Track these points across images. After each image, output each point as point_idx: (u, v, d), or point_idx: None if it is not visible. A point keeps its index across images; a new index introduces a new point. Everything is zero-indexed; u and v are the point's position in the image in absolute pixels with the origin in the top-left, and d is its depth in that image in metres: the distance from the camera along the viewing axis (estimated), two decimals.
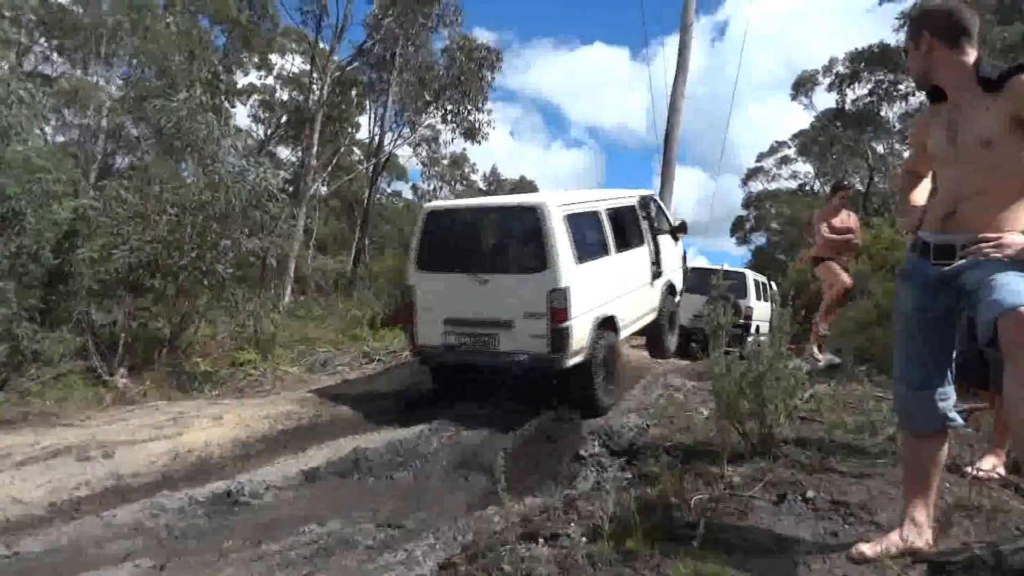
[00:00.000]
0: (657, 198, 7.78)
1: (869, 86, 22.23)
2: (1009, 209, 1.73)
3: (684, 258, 8.01)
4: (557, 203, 5.10)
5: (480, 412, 5.15)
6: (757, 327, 10.19)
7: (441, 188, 27.53)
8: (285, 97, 21.79)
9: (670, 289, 7.24)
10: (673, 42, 12.78)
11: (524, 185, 30.51)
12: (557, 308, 4.77)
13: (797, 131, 28.01)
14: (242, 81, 20.84)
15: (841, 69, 22.54)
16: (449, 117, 18.57)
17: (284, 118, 20.98)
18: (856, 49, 21.64)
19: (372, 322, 10.04)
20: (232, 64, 18.88)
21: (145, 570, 2.65)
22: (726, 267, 11.54)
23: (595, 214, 5.69)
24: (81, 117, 17.36)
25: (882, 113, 22.87)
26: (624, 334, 5.94)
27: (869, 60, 21.31)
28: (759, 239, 34.02)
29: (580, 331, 4.94)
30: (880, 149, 24.24)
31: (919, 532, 1.87)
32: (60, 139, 17.15)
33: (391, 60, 17.51)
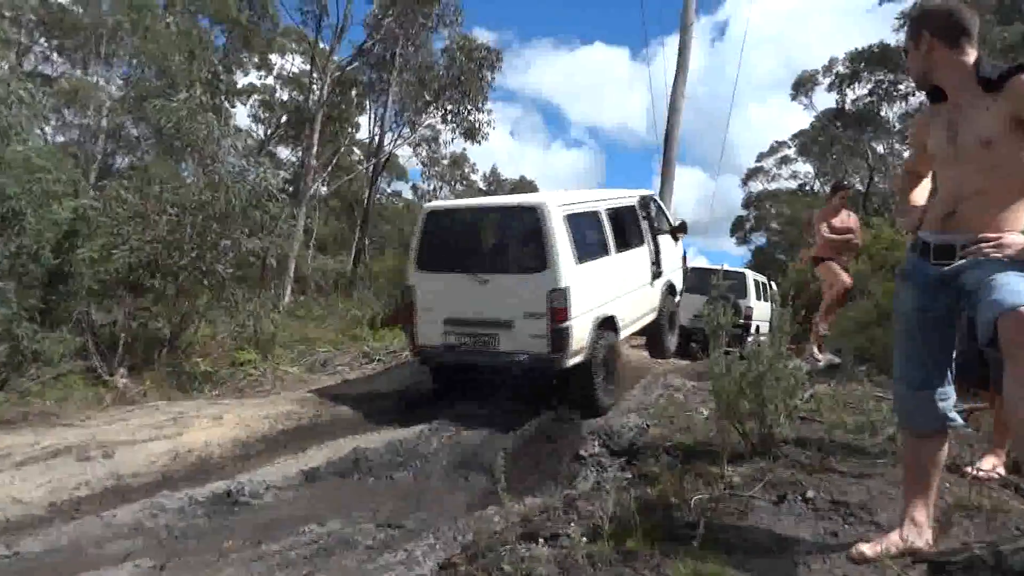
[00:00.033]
0: (657, 198, 7.79)
1: (869, 86, 22.24)
2: (1009, 209, 1.73)
3: (684, 258, 8.01)
4: (557, 203, 5.10)
5: (480, 412, 5.15)
6: (757, 327, 10.19)
7: (441, 188, 27.54)
8: (285, 97, 21.82)
9: (670, 289, 7.24)
10: (673, 42, 12.79)
11: (524, 185, 30.52)
12: (557, 308, 4.77)
13: (797, 131, 28.06)
14: (242, 81, 20.87)
15: (841, 69, 22.54)
16: (449, 117, 18.58)
17: (284, 118, 20.99)
18: (856, 49, 21.67)
19: (372, 322, 10.05)
20: (232, 64, 18.88)
21: (145, 570, 2.65)
22: (726, 267, 11.55)
23: (595, 214, 5.69)
24: (81, 117, 17.37)
25: (882, 113, 22.89)
26: (624, 334, 5.94)
27: (869, 60, 21.31)
28: (759, 239, 34.06)
29: (580, 331, 4.94)
30: (880, 149, 24.25)
31: (919, 532, 1.87)
32: (60, 139, 17.17)
33: (391, 60, 17.52)
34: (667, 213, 7.67)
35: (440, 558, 2.52)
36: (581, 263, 5.07)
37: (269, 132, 21.70)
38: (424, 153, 24.29)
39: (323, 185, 20.05)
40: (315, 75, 16.47)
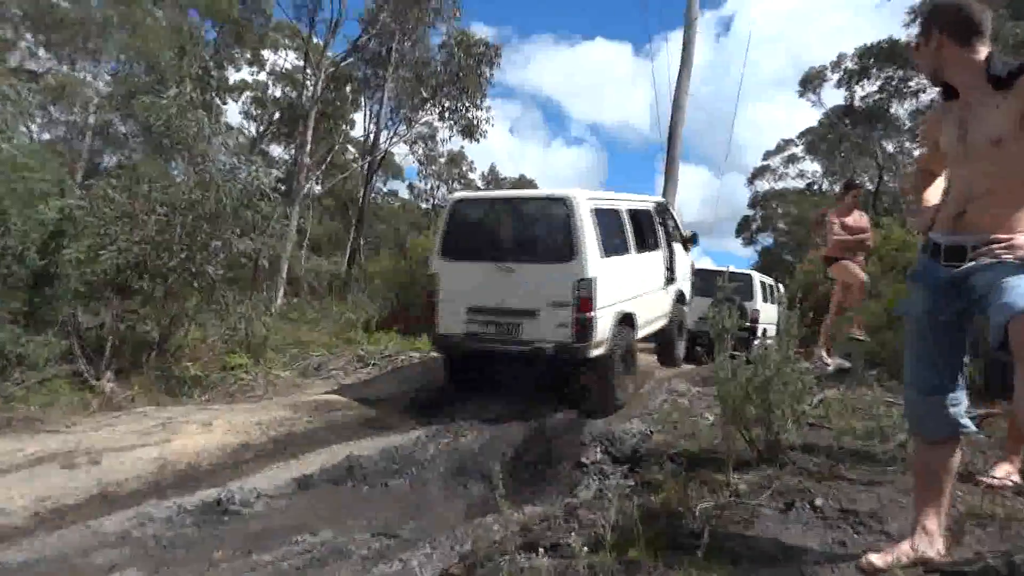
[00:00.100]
0: (670, 207, 8.03)
1: (879, 82, 22.26)
2: (1021, 209, 1.73)
3: (692, 268, 8.30)
4: (585, 196, 5.33)
5: (479, 418, 5.15)
6: (764, 330, 10.20)
7: (438, 187, 27.57)
8: (278, 93, 21.85)
9: (680, 297, 7.46)
10: (677, 37, 12.83)
11: (524, 184, 30.53)
12: (583, 298, 4.96)
13: (804, 129, 28.04)
14: (234, 77, 20.88)
15: (850, 65, 22.56)
16: (446, 114, 18.61)
17: (277, 115, 21.00)
18: (865, 44, 21.72)
19: (367, 325, 10.04)
20: (223, 60, 18.89)
21: None
22: (732, 268, 11.56)
23: (617, 212, 5.91)
24: (68, 114, 17.38)
25: (892, 110, 22.92)
26: (640, 334, 6.09)
27: (879, 56, 21.36)
28: (766, 240, 34.09)
29: (603, 323, 5.13)
30: (890, 147, 24.28)
31: (930, 541, 1.87)
32: (46, 136, 17.17)
33: (387, 56, 17.56)
34: (679, 223, 7.83)
35: (437, 568, 2.52)
36: (606, 257, 5.27)
37: (261, 129, 21.73)
38: (421, 151, 24.38)
39: (317, 184, 20.08)
40: (309, 71, 16.53)
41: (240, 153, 8.10)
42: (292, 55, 20.52)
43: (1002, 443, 2.90)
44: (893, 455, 2.85)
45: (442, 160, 26.67)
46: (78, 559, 2.84)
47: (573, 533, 2.30)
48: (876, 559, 1.85)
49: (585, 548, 2.03)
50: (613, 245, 5.55)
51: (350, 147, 23.39)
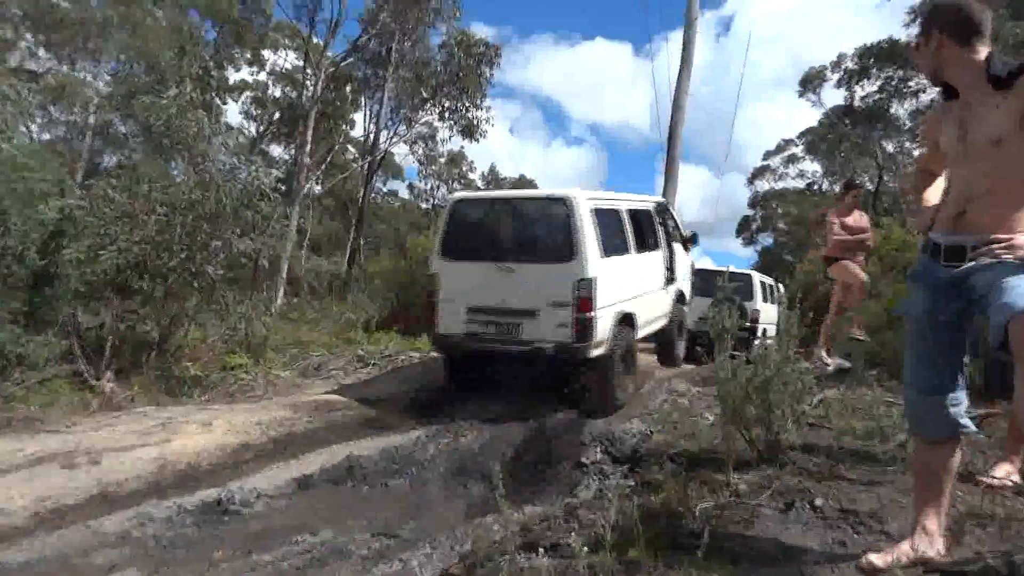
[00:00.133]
0: (670, 207, 8.10)
1: (879, 82, 22.27)
2: (1021, 209, 1.73)
3: (692, 268, 8.32)
4: (585, 196, 5.34)
5: (479, 418, 5.15)
6: (764, 330, 10.20)
7: (438, 187, 27.58)
8: (278, 93, 21.86)
9: (679, 297, 7.47)
10: (677, 37, 12.84)
11: (524, 184, 30.54)
12: (583, 297, 4.98)
13: (804, 129, 28.06)
14: (234, 77, 20.89)
15: (850, 65, 22.56)
16: (447, 114, 18.62)
17: (277, 115, 21.01)
18: (865, 44, 21.72)
19: (367, 325, 10.04)
20: (223, 60, 18.90)
21: None
22: (732, 268, 11.56)
23: (617, 212, 5.92)
24: (68, 114, 17.38)
25: (892, 110, 22.92)
26: (640, 334, 6.10)
27: (879, 56, 21.36)
28: (766, 239, 34.09)
29: (603, 323, 5.14)
30: (890, 147, 24.28)
31: (931, 541, 1.87)
32: (46, 137, 17.17)
33: (387, 56, 17.57)
34: (679, 223, 7.85)
35: (437, 568, 2.52)
36: (606, 257, 5.28)
37: (261, 129, 21.74)
38: (421, 151, 24.38)
39: (317, 184, 20.08)
40: (309, 71, 16.53)
41: (240, 153, 8.10)
42: (292, 55, 20.55)
43: (1002, 443, 2.90)
44: (893, 455, 2.85)
45: (442, 160, 26.69)
46: (78, 559, 2.85)
47: (573, 533, 2.30)
48: (876, 559, 1.85)
49: (585, 548, 2.03)
50: (613, 245, 5.56)
51: (350, 147, 23.41)
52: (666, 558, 2.00)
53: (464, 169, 28.76)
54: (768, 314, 10.55)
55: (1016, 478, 2.58)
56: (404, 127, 19.81)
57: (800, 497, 2.42)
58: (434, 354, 8.14)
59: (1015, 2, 15.11)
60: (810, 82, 24.75)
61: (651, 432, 4.21)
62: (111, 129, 17.97)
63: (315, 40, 16.71)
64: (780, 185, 31.26)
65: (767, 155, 30.99)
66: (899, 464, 2.75)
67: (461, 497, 3.75)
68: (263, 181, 6.63)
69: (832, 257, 5.70)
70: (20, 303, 5.56)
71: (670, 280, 6.98)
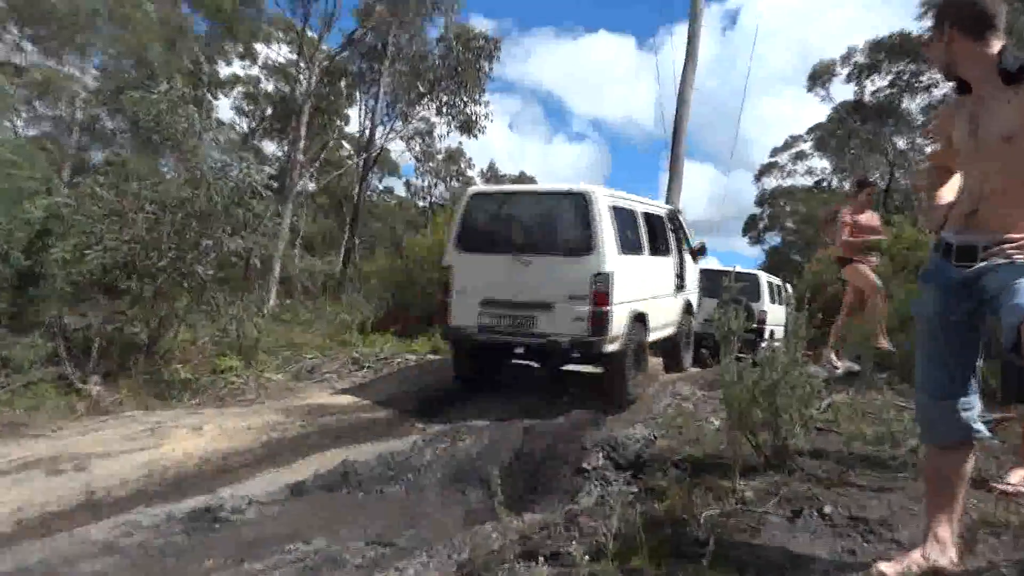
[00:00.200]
0: (682, 215, 8.32)
1: (890, 77, 22.29)
2: None
3: (699, 279, 8.47)
4: (603, 192, 5.52)
5: (477, 423, 5.15)
6: (771, 332, 10.21)
7: (436, 184, 27.59)
8: (270, 88, 21.82)
9: (688, 307, 7.62)
10: (682, 30, 12.83)
11: (524, 181, 30.56)
12: (600, 291, 5.13)
13: (813, 125, 28.06)
14: (225, 72, 20.87)
15: (860, 59, 22.58)
16: (444, 109, 18.62)
17: (269, 110, 21.01)
18: (876, 38, 21.73)
19: (362, 327, 10.04)
20: (214, 54, 18.91)
21: None
22: (738, 268, 11.57)
23: (632, 212, 6.07)
24: (54, 109, 17.37)
25: (904, 105, 22.93)
26: (651, 337, 6.20)
27: (890, 50, 21.37)
28: (773, 239, 34.13)
29: (618, 319, 5.29)
30: (901, 144, 24.28)
31: (942, 550, 1.87)
32: (32, 132, 17.16)
33: (383, 49, 17.56)
34: (688, 233, 7.94)
35: None
36: (623, 254, 5.44)
37: (253, 125, 21.74)
38: (418, 147, 24.34)
39: (310, 181, 20.08)
40: (302, 65, 16.52)
41: (231, 149, 8.11)
42: (285, 48, 20.52)
43: (1016, 448, 2.90)
44: (904, 461, 2.85)
45: (440, 157, 26.66)
46: (64, 568, 2.84)
47: (574, 541, 2.30)
48: (886, 568, 1.85)
49: (586, 557, 2.03)
50: (629, 244, 5.70)
51: (345, 143, 23.41)
52: (670, 567, 2.00)
53: (462, 166, 28.80)
54: (775, 315, 10.56)
55: None
56: (400, 123, 19.82)
57: (808, 504, 2.42)
58: (431, 356, 8.16)
59: None
60: (819, 77, 24.77)
61: (655, 437, 4.20)
62: (99, 125, 17.96)
63: (309, 33, 16.71)
64: (788, 182, 31.31)
65: (774, 152, 31.04)
66: (910, 470, 2.75)
67: (459, 504, 3.75)
68: (255, 178, 6.63)
69: (846, 258, 5.66)
70: (4, 304, 5.57)
71: (680, 287, 7.12)
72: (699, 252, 8.11)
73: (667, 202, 11.53)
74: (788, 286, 12.46)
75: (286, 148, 19.06)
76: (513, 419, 5.16)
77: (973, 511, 2.26)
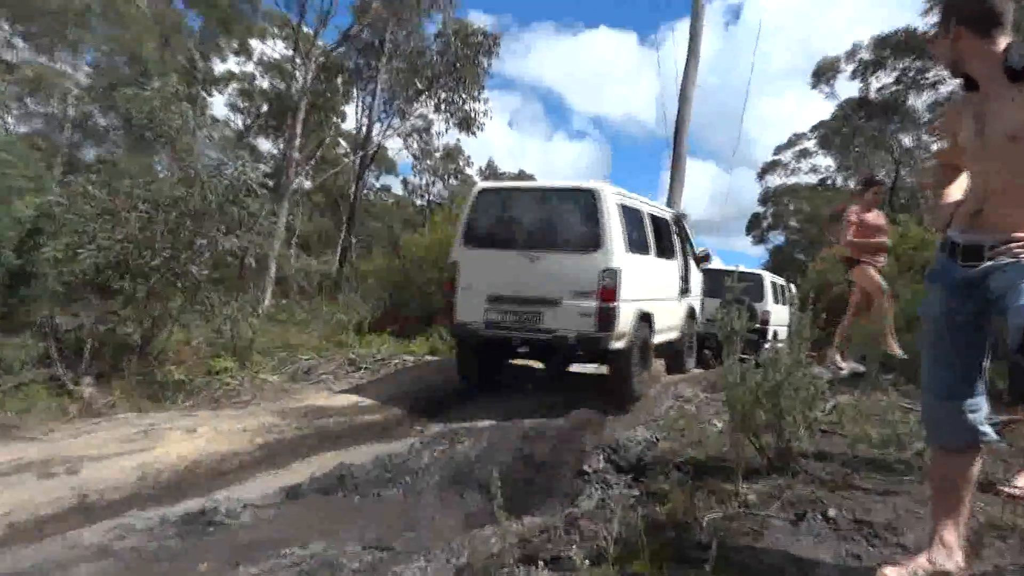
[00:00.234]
0: (687, 220, 8.47)
1: (895, 74, 22.32)
2: None
3: (703, 283, 8.55)
4: (612, 190, 5.60)
5: (476, 424, 5.15)
6: (775, 332, 10.21)
7: (434, 183, 27.59)
8: (266, 85, 21.83)
9: (691, 313, 7.69)
10: (684, 26, 12.84)
11: (524, 179, 30.55)
12: (607, 288, 5.20)
13: (817, 122, 28.09)
14: (219, 68, 20.88)
15: (865, 55, 22.61)
16: (443, 106, 18.61)
17: (265, 107, 21.01)
18: (881, 34, 21.75)
19: (359, 327, 10.05)
20: (209, 50, 18.90)
21: None
22: (741, 268, 11.58)
23: (639, 213, 6.14)
24: (45, 106, 17.36)
25: (909, 102, 22.95)
26: (656, 339, 6.24)
27: (895, 46, 21.40)
28: (777, 238, 34.19)
29: (625, 316, 5.35)
30: (907, 141, 24.31)
31: (949, 554, 1.87)
32: (23, 129, 17.14)
33: (380, 46, 17.56)
34: (692, 239, 8.08)
35: None
36: (630, 252, 5.52)
37: (248, 122, 21.75)
38: (415, 145, 24.37)
39: (306, 179, 20.09)
40: (298, 61, 16.50)
41: (226, 147, 8.11)
42: (281, 45, 20.52)
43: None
44: (910, 463, 2.85)
45: (438, 154, 26.70)
46: (56, 572, 2.84)
47: (574, 545, 2.30)
48: (892, 572, 1.85)
49: (587, 561, 2.02)
50: (636, 243, 5.76)
51: (341, 141, 23.43)
52: (672, 571, 2.00)
53: (461, 164, 28.81)
54: (779, 316, 10.56)
55: None
56: (398, 120, 19.82)
57: (812, 507, 2.42)
58: (429, 357, 8.17)
59: None
60: (823, 73, 24.80)
61: (657, 439, 4.20)
62: (91, 122, 17.95)
63: (305, 29, 16.69)
64: (792, 181, 31.32)
65: (778, 149, 31.06)
66: (916, 473, 2.75)
67: (457, 507, 3.74)
68: (250, 176, 6.64)
69: (853, 259, 5.64)
70: None
71: (684, 291, 7.19)
72: (703, 259, 8.19)
73: (669, 200, 11.56)
74: (792, 286, 12.47)
75: (282, 145, 19.04)
76: (513, 420, 5.17)
77: (980, 515, 2.26)
